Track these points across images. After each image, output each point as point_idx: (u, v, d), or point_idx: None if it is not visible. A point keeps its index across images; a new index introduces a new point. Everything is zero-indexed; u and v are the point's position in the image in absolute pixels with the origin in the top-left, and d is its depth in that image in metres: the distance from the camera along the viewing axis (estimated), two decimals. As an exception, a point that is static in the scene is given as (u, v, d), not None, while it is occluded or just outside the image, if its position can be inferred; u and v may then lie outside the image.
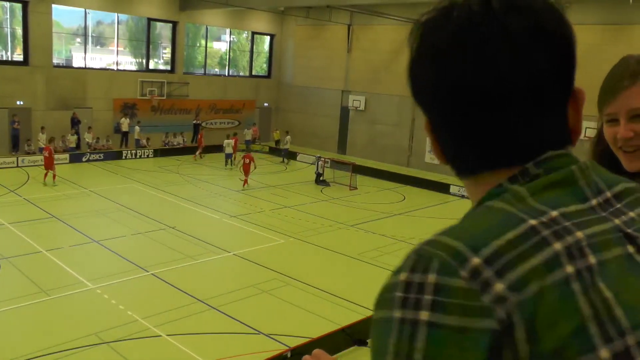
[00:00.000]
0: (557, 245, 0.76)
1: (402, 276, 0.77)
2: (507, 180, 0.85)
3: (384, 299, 0.78)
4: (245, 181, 24.59)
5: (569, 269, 0.75)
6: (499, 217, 0.79)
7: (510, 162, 0.86)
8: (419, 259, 0.77)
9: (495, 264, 0.74)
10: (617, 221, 0.82)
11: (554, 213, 0.79)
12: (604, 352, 0.72)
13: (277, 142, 35.27)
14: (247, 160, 24.54)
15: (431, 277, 0.75)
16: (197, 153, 31.18)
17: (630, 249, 0.80)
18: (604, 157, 1.70)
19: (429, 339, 0.73)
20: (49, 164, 22.98)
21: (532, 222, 0.77)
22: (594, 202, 0.83)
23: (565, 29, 0.86)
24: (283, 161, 31.94)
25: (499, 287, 0.73)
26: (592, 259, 0.76)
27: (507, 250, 0.75)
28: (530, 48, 0.83)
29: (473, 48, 0.83)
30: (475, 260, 0.74)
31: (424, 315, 0.73)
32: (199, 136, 32.07)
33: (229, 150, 28.81)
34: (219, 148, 31.21)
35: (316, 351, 1.32)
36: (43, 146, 27.19)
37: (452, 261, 0.75)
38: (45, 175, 22.97)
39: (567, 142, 0.89)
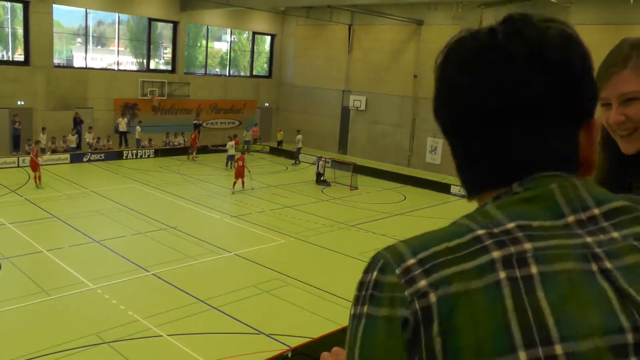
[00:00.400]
0: (496, 254, 0.80)
1: (361, 277, 0.88)
2: (492, 199, 0.90)
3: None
4: (234, 183, 23.90)
5: (502, 274, 0.78)
6: (452, 229, 0.86)
7: (502, 182, 0.91)
8: (372, 261, 0.87)
9: (426, 265, 0.81)
10: (588, 239, 0.83)
11: (510, 225, 0.83)
12: (523, 356, 0.74)
13: (280, 142, 35.26)
14: (241, 163, 23.91)
15: (374, 275, 0.85)
16: (192, 153, 30.97)
17: (594, 267, 0.80)
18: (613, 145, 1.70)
19: (365, 328, 0.83)
20: (34, 166, 22.46)
21: (480, 232, 0.83)
22: (570, 218, 0.84)
23: (570, 56, 0.91)
24: (295, 162, 31.43)
25: (422, 283, 0.80)
26: (533, 269, 0.78)
27: (442, 254, 0.82)
28: (528, 71, 0.88)
29: (478, 72, 0.90)
30: (410, 261, 0.82)
31: (365, 308, 0.84)
32: (193, 136, 31.70)
33: (231, 152, 28.12)
34: (219, 148, 31.29)
35: (335, 349, 1.33)
36: (43, 146, 27.26)
37: (393, 262, 0.84)
38: (35, 177, 22.51)
39: (570, 168, 0.91)
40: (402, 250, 0.85)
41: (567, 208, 0.85)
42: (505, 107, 0.89)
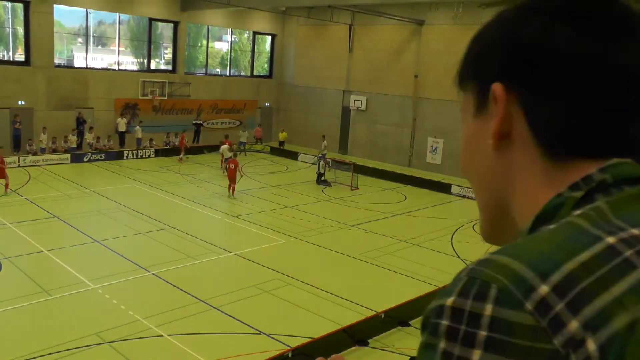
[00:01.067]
0: None
1: (450, 301, 0.63)
2: (567, 188, 0.72)
3: (430, 324, 0.65)
4: (232, 188, 22.81)
5: None
6: (566, 233, 0.65)
7: (604, 152, 0.73)
8: (472, 282, 0.63)
9: (568, 295, 0.59)
10: None
11: (635, 231, 0.64)
12: None
13: (282, 142, 35.24)
14: (232, 166, 22.62)
15: (488, 308, 0.61)
16: (181, 155, 30.25)
17: None
18: None
19: None
20: (1, 173, 21.00)
21: (610, 239, 0.63)
22: None
23: None
24: (327, 167, 28.09)
25: (574, 325, 0.58)
26: None
27: (581, 275, 0.60)
28: None
29: (623, 17, 0.75)
30: (544, 289, 0.60)
31: (476, 354, 0.60)
32: (181, 138, 31.02)
33: (227, 154, 26.34)
34: (217, 147, 31.31)
35: (335, 356, 1.23)
36: (45, 146, 27.28)
37: (515, 289, 0.60)
38: (5, 185, 21.01)
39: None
40: (520, 270, 0.61)
41: None
42: (621, 77, 0.73)
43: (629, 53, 0.73)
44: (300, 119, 37.28)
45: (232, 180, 22.72)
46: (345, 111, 35.08)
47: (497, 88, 0.78)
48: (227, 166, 23.09)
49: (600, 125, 0.73)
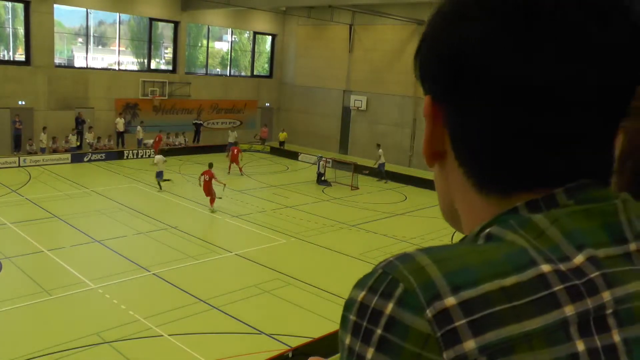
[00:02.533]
0: (569, 309, 0.57)
1: (361, 294, 0.62)
2: (524, 205, 0.65)
3: (342, 317, 0.64)
4: (210, 201, 20.76)
5: (580, 346, 0.56)
6: (503, 252, 0.60)
7: (545, 183, 0.66)
8: (384, 278, 0.60)
9: (474, 314, 0.56)
10: None
11: (579, 259, 0.59)
12: None
13: (283, 143, 35.23)
14: (207, 178, 20.55)
15: (389, 307, 0.58)
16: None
17: None
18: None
19: None
20: None
21: (545, 267, 0.58)
22: (632, 246, 0.62)
23: None
24: (382, 179, 27.62)
25: (470, 345, 0.55)
26: (616, 336, 0.57)
27: (497, 299, 0.56)
28: (616, 57, 0.64)
29: (562, 28, 0.63)
30: (450, 301, 0.56)
31: (370, 352, 0.59)
32: (158, 139, 29.66)
33: (161, 167, 23.85)
34: (220, 148, 31.30)
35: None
36: (45, 146, 27.29)
37: (420, 292, 0.57)
38: None
39: (608, 176, 0.69)
40: (434, 276, 0.58)
41: (629, 232, 0.63)
42: (582, 91, 0.64)
43: (567, 69, 0.63)
44: (300, 119, 37.28)
45: (206, 193, 20.59)
46: (346, 111, 35.08)
47: (426, 102, 0.73)
48: (201, 177, 20.64)
49: (539, 157, 0.65)
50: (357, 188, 25.89)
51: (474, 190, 0.70)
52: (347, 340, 0.61)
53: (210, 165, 21.40)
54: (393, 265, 0.61)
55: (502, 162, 0.67)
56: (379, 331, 0.58)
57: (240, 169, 27.35)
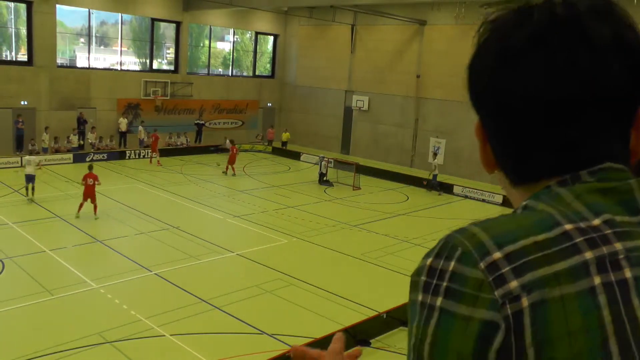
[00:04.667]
0: (588, 254, 0.73)
1: (429, 261, 0.78)
2: (556, 183, 0.83)
3: (412, 282, 0.80)
4: (93, 206, 18.75)
5: (597, 280, 0.71)
6: (535, 218, 0.77)
7: (567, 171, 0.83)
8: (446, 245, 0.77)
9: (516, 262, 0.73)
10: None
11: (596, 221, 0.76)
12: None
13: (285, 143, 35.14)
14: (91, 181, 18.81)
15: (451, 265, 0.75)
16: (156, 160, 28.62)
17: None
18: None
19: (438, 324, 0.75)
20: None
21: (568, 226, 0.75)
22: None
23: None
24: (437, 191, 26.13)
25: (514, 284, 0.72)
26: (627, 273, 0.72)
27: (531, 250, 0.73)
28: (611, 59, 0.79)
29: (552, 52, 0.80)
30: (497, 255, 0.73)
31: (439, 301, 0.75)
32: (154, 139, 28.92)
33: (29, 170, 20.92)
34: (222, 148, 31.29)
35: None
36: (47, 146, 27.33)
37: (475, 252, 0.74)
38: None
39: (627, 160, 0.85)
40: (484, 240, 0.75)
41: None
42: (586, 96, 0.79)
43: (562, 85, 0.80)
44: (302, 119, 37.28)
45: (86, 196, 18.68)
46: (348, 111, 35.07)
47: (475, 124, 0.92)
48: (84, 181, 18.89)
49: (562, 158, 0.83)
50: (359, 188, 25.88)
51: (511, 186, 0.90)
52: (420, 297, 0.77)
53: (91, 167, 19.51)
54: (452, 236, 0.78)
55: (526, 162, 0.86)
56: (445, 283, 0.75)
57: (234, 170, 27.30)
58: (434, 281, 0.76)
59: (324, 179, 26.69)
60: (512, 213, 0.83)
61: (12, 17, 28.14)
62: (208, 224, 19.31)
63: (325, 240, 18.01)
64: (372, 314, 12.33)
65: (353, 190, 25.74)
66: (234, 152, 27.29)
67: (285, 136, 35.36)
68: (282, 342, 11.20)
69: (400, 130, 32.41)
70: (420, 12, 30.26)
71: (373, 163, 31.14)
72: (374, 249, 17.40)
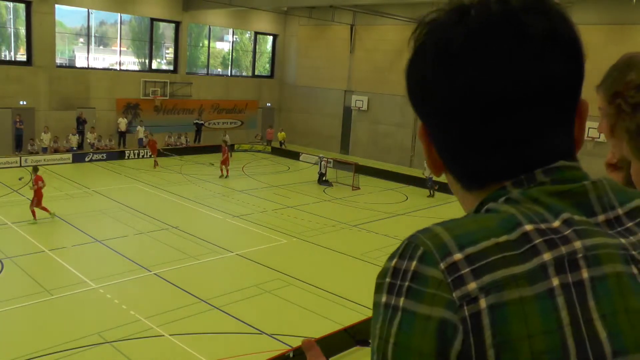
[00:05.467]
0: (547, 256, 0.73)
1: (393, 262, 0.78)
2: (511, 184, 0.82)
3: (377, 285, 0.79)
4: (45, 208, 18.15)
5: (555, 281, 0.72)
6: (498, 219, 0.77)
7: (520, 171, 0.82)
8: (409, 246, 0.77)
9: (475, 264, 0.73)
10: (623, 240, 0.77)
11: (556, 223, 0.76)
12: None
13: (282, 142, 35.22)
14: (38, 185, 18.16)
15: (413, 264, 0.75)
16: (154, 162, 28.08)
17: (634, 270, 0.75)
18: None
19: (400, 325, 0.75)
20: None
21: (528, 227, 0.75)
22: (600, 218, 0.79)
23: (577, 36, 0.83)
24: (430, 193, 25.66)
25: (472, 286, 0.72)
26: (584, 274, 0.73)
27: (491, 252, 0.73)
28: (549, 52, 0.79)
29: (490, 49, 0.79)
30: (457, 256, 0.73)
31: (401, 301, 0.75)
32: (150, 141, 28.73)
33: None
34: (219, 147, 31.27)
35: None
36: (46, 146, 27.32)
37: (436, 252, 0.74)
38: None
39: (573, 153, 0.86)
40: (445, 240, 0.75)
41: (597, 206, 0.80)
42: (526, 93, 0.79)
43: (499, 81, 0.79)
44: (301, 119, 37.29)
45: (41, 199, 18.18)
46: (347, 111, 35.08)
47: (418, 127, 0.91)
48: (34, 185, 18.17)
49: (502, 155, 0.83)
50: (359, 188, 25.89)
51: (464, 189, 0.89)
52: (384, 299, 0.77)
53: (37, 169, 18.88)
54: (415, 236, 0.78)
55: (475, 164, 0.85)
56: (407, 283, 0.75)
57: (227, 171, 26.89)
58: (397, 282, 0.76)
59: (324, 179, 26.69)
60: (475, 214, 0.83)
61: (11, 17, 28.13)
62: (207, 224, 19.30)
63: (325, 240, 18.01)
64: (371, 313, 12.29)
65: (352, 190, 25.74)
66: (227, 152, 26.83)
67: (281, 136, 35.28)
68: (282, 342, 11.21)
69: (400, 130, 32.42)
70: (419, 12, 30.23)
71: (372, 163, 31.15)
72: (373, 248, 17.41)
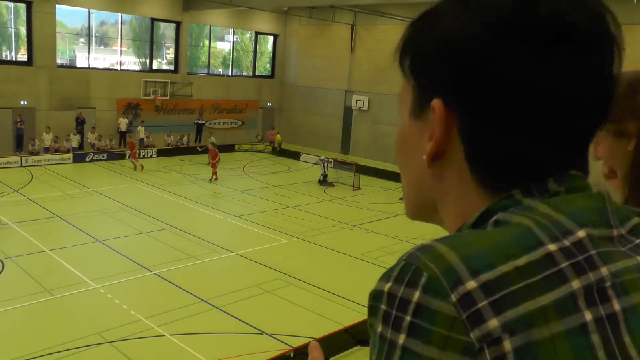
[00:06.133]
0: (575, 283, 0.62)
1: (387, 286, 0.65)
2: (519, 191, 0.71)
3: (371, 306, 0.67)
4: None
5: (587, 315, 0.61)
6: (513, 234, 0.65)
7: (532, 177, 0.71)
8: (407, 268, 0.64)
9: (494, 295, 0.60)
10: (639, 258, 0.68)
11: (581, 233, 0.65)
12: None
13: (279, 144, 34.74)
14: None
15: (416, 295, 0.62)
16: (135, 162, 26.76)
17: None
18: None
19: None
20: None
21: (551, 247, 0.63)
22: (615, 232, 0.68)
23: (621, 36, 0.74)
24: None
25: (493, 323, 0.59)
26: (616, 305, 0.63)
27: (513, 279, 0.61)
28: (600, 51, 0.71)
29: (541, 45, 0.68)
30: (471, 284, 0.61)
31: (401, 338, 0.62)
32: (129, 143, 27.91)
33: None
34: (222, 148, 31.27)
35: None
36: (48, 146, 27.33)
37: (443, 279, 0.61)
38: None
39: (586, 171, 0.76)
40: (454, 263, 0.62)
41: (613, 219, 0.69)
42: (572, 94, 0.69)
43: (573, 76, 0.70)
44: (302, 119, 37.28)
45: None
46: (347, 111, 35.08)
47: (437, 107, 0.73)
48: None
49: (542, 158, 0.72)
50: (359, 188, 25.88)
51: (475, 184, 0.74)
52: (379, 328, 0.65)
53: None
54: (414, 256, 0.65)
55: (510, 160, 0.71)
56: (408, 318, 0.62)
57: (216, 174, 25.66)
58: (394, 312, 0.63)
59: (327, 180, 26.50)
60: (482, 227, 0.71)
61: (12, 17, 28.13)
62: (208, 224, 19.30)
63: (325, 240, 18.00)
64: (372, 313, 12.31)
65: (353, 190, 25.73)
66: (215, 155, 25.61)
67: (278, 138, 34.39)
68: (282, 342, 11.20)
69: (400, 130, 32.38)
70: (420, 12, 30.23)
71: (373, 163, 31.14)
72: (373, 248, 17.40)
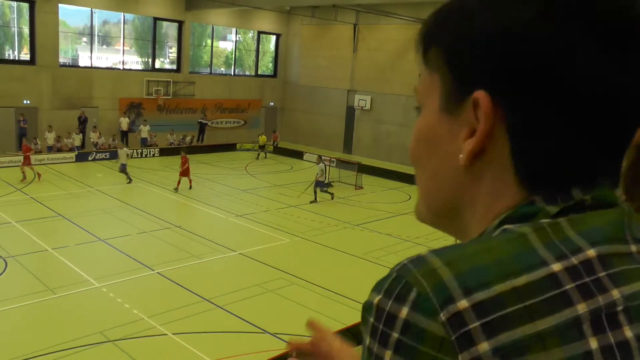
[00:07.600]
0: (581, 307, 0.57)
1: (377, 299, 0.62)
2: (542, 198, 0.65)
3: (362, 316, 0.65)
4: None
5: (593, 343, 0.56)
6: (514, 250, 0.60)
7: (559, 184, 0.66)
8: (397, 281, 0.61)
9: (488, 316, 0.56)
10: None
11: (591, 252, 0.60)
12: None
13: (262, 147, 32.77)
14: None
15: (403, 311, 0.59)
16: (31, 172, 23.10)
17: None
18: None
19: None
20: None
21: (555, 266, 0.58)
22: (633, 248, 0.62)
23: None
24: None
25: (484, 347, 0.55)
26: (628, 332, 0.57)
27: (509, 300, 0.57)
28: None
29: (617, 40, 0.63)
30: (462, 303, 0.57)
31: (387, 355, 0.60)
32: (24, 147, 23.80)
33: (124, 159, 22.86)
34: (223, 147, 31.30)
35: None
36: (51, 145, 27.37)
37: (433, 296, 0.58)
38: None
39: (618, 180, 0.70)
40: (446, 279, 0.58)
41: (629, 234, 0.63)
42: (632, 102, 0.65)
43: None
44: (304, 119, 37.28)
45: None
46: (350, 111, 35.07)
47: (483, 101, 0.66)
48: None
49: (596, 163, 0.66)
50: (362, 188, 25.87)
51: (516, 188, 0.68)
52: (367, 341, 0.62)
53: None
54: (406, 268, 0.62)
55: (564, 161, 0.66)
56: (395, 335, 0.59)
57: (190, 181, 23.49)
58: (381, 327, 0.60)
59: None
60: (484, 237, 0.67)
61: (15, 16, 28.18)
62: (210, 223, 19.30)
63: (328, 240, 18.00)
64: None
65: (355, 189, 25.72)
66: (186, 163, 23.24)
67: (262, 139, 32.77)
68: (285, 341, 11.19)
69: (403, 130, 32.38)
70: (423, 11, 30.19)
71: (375, 162, 31.12)
72: (376, 248, 17.40)
